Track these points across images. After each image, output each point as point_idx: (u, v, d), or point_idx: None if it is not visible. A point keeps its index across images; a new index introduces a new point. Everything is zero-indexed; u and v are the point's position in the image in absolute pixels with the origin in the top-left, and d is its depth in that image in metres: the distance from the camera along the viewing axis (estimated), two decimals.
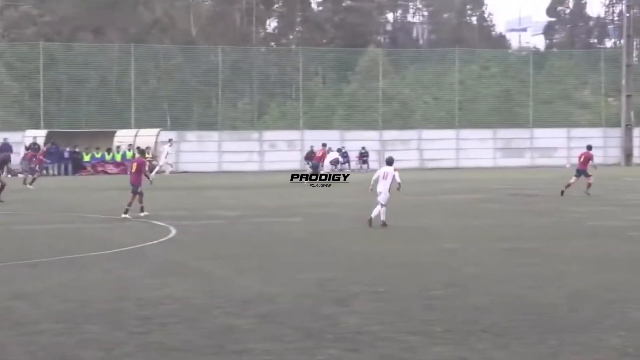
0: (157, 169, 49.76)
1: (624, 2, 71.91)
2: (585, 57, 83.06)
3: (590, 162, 32.95)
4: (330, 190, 37.57)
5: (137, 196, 24.89)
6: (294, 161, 57.39)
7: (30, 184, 39.68)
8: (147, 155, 27.87)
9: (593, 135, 64.12)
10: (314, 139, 54.51)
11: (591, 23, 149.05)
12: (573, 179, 32.38)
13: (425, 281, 13.60)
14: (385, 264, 15.60)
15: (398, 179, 22.05)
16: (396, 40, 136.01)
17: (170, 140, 53.94)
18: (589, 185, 32.00)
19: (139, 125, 58.89)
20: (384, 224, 21.58)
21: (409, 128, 64.35)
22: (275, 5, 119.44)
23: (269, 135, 62.64)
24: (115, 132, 57.54)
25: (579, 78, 76.61)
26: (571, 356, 9.03)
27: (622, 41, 69.28)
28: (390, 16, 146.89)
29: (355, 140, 61.13)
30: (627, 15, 66.89)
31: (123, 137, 56.93)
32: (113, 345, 9.46)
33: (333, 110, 67.49)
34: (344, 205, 29.39)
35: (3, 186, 31.32)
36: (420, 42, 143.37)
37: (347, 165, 59.13)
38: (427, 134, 63.43)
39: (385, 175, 22.20)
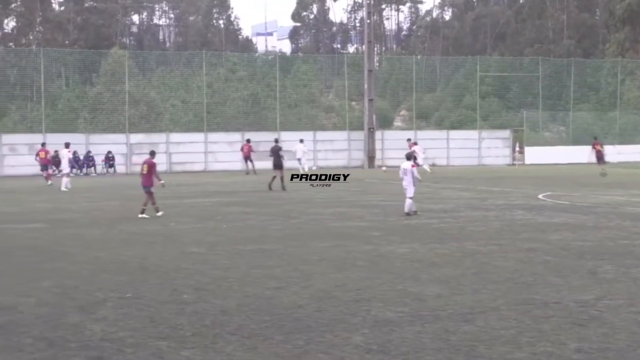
0: None
1: (364, 9, 74.38)
2: (330, 61, 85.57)
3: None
4: (70, 195, 36.69)
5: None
6: (36, 165, 55.34)
7: None
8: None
9: (338, 138, 66.26)
10: (58, 142, 52.64)
11: (334, 29, 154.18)
12: None
13: (172, 285, 13.45)
14: (131, 270, 15.29)
15: (417, 175, 24.15)
16: (142, 42, 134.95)
17: None
18: None
19: None
20: (410, 214, 23.83)
21: (156, 131, 63.78)
22: (13, 5, 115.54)
23: (8, 139, 60.07)
24: None
25: (323, 82, 78.82)
26: (318, 355, 9.17)
27: (364, 47, 71.64)
28: (135, 18, 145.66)
29: (101, 143, 59.87)
30: (368, 21, 69.20)
31: None
32: None
33: (77, 113, 65.85)
34: (85, 211, 28.72)
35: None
36: (167, 44, 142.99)
37: (93, 169, 57.92)
38: (175, 137, 63.09)
39: (405, 172, 23.99)
